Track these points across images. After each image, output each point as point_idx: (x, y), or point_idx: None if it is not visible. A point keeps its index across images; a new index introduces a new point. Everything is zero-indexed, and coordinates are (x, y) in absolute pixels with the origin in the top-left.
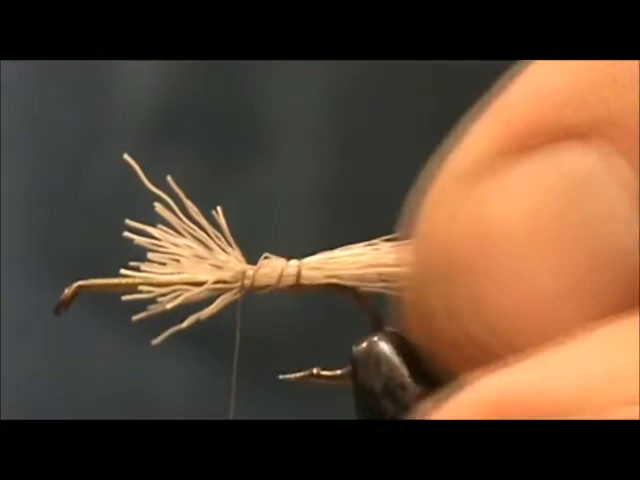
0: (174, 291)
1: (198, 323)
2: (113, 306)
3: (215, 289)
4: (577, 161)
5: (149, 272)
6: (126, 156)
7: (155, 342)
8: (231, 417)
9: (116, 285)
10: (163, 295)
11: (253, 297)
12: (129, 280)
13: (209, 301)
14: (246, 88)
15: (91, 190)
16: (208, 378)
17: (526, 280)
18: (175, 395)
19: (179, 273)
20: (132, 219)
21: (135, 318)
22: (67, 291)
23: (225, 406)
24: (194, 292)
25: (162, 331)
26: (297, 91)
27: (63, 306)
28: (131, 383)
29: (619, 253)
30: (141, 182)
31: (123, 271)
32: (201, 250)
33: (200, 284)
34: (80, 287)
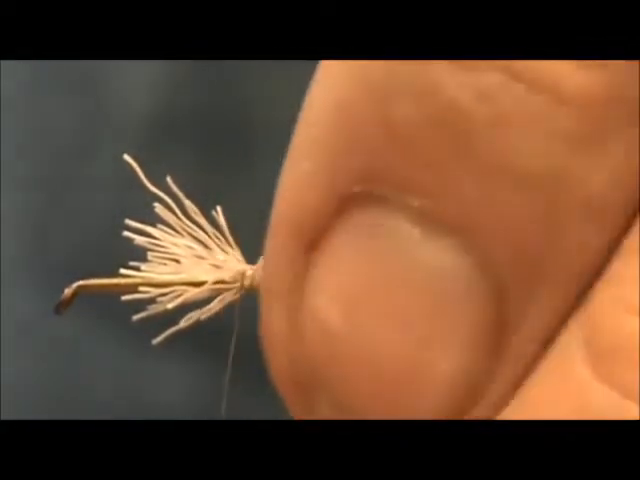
0: (174, 291)
1: (198, 323)
2: (113, 308)
3: (215, 289)
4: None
5: (149, 272)
6: (126, 156)
7: (155, 341)
8: (223, 416)
9: (116, 285)
10: (163, 295)
11: (253, 297)
12: (129, 280)
13: (209, 301)
14: (246, 88)
15: (91, 190)
16: (209, 380)
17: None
18: (175, 397)
19: (179, 273)
20: (132, 219)
21: (135, 318)
22: (67, 291)
23: (226, 408)
24: (194, 292)
25: (162, 333)
26: (297, 91)
27: (63, 306)
28: (131, 384)
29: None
30: (141, 182)
31: (123, 271)
32: (201, 250)
33: (200, 284)
34: (80, 287)
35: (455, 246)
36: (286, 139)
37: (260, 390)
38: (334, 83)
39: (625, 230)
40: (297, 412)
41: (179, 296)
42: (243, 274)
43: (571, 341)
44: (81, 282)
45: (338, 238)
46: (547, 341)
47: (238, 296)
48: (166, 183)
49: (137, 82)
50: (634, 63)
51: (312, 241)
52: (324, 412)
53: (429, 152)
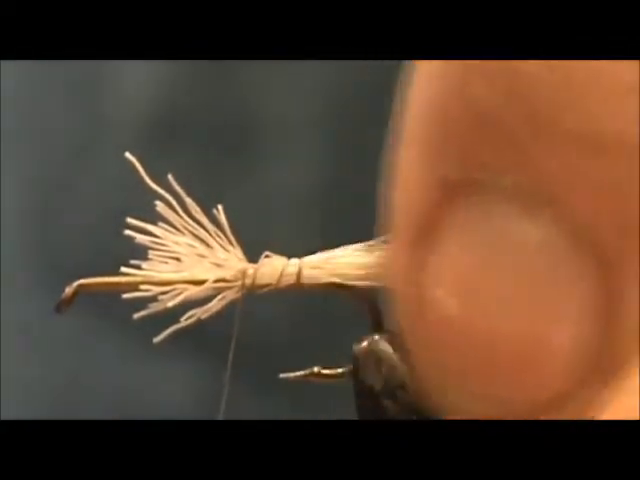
0: (175, 290)
1: (199, 321)
2: (113, 307)
3: (216, 288)
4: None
5: (150, 271)
6: (127, 154)
7: (156, 340)
8: (221, 416)
9: (117, 284)
10: (164, 294)
11: (254, 296)
12: (130, 279)
13: (210, 300)
14: (247, 88)
15: (91, 189)
16: (210, 380)
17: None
18: (176, 396)
19: (180, 272)
20: (133, 218)
21: (136, 316)
22: (68, 289)
23: (226, 408)
24: (195, 290)
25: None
26: (297, 91)
27: (64, 304)
28: (132, 383)
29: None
30: (142, 180)
31: (124, 269)
32: (202, 249)
33: (201, 282)
34: (81, 285)
35: (551, 218)
36: (287, 138)
37: (260, 390)
38: (423, 89)
39: None
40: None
41: (180, 294)
42: (244, 272)
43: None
44: (82, 281)
45: (448, 231)
46: None
47: (239, 294)
48: (167, 181)
49: (138, 82)
50: None
51: (427, 234)
52: (459, 404)
53: (507, 131)
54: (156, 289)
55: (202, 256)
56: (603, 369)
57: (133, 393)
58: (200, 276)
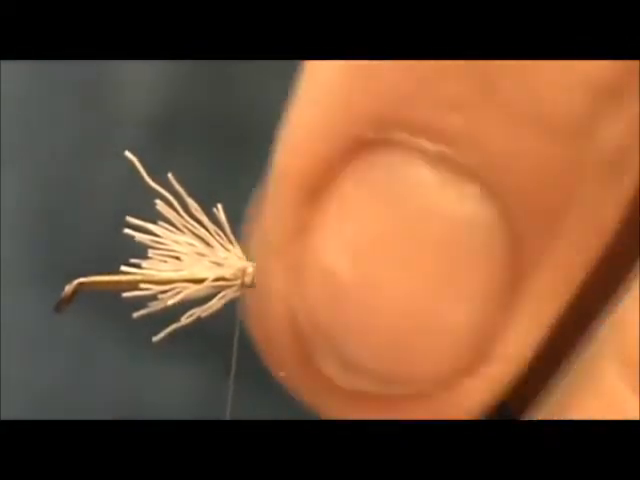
0: (174, 288)
1: (199, 320)
2: (114, 307)
3: (215, 286)
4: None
5: (150, 269)
6: (127, 153)
7: (156, 339)
8: (228, 416)
9: (117, 282)
10: (164, 292)
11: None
12: (130, 277)
13: (210, 299)
14: (247, 88)
15: (92, 188)
16: (210, 381)
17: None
18: (177, 397)
19: (179, 270)
20: (133, 217)
21: (136, 315)
22: (68, 288)
23: (227, 408)
24: (194, 289)
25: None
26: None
27: (64, 303)
28: (132, 384)
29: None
30: (142, 179)
31: (124, 268)
32: (202, 247)
33: (200, 281)
34: (81, 284)
35: (476, 194)
36: None
37: (260, 390)
38: None
39: None
40: (294, 372)
41: (179, 293)
42: (244, 271)
43: (604, 352)
44: (82, 279)
45: (349, 185)
46: (566, 299)
47: (239, 293)
48: (167, 180)
49: (138, 82)
50: None
51: (319, 189)
52: (329, 369)
53: (453, 95)
54: (156, 288)
55: (202, 255)
56: (504, 349)
57: (134, 393)
58: (200, 275)
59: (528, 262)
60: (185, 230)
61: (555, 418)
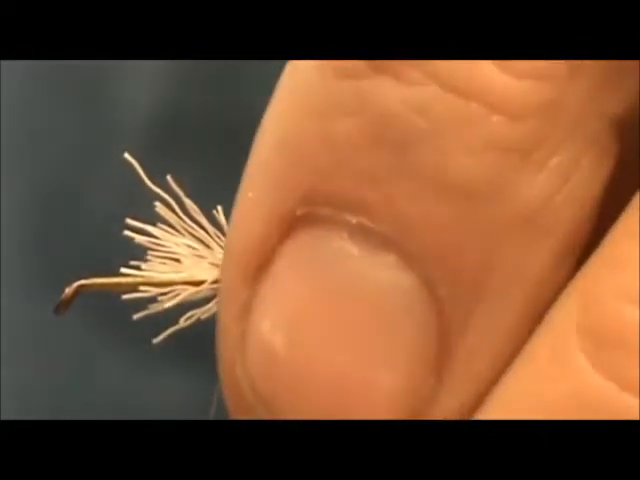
0: (174, 290)
1: (198, 322)
2: (113, 310)
3: (215, 288)
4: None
5: (150, 271)
6: (126, 155)
7: (156, 340)
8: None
9: (117, 284)
10: (163, 294)
11: None
12: (129, 279)
13: (210, 301)
14: (248, 89)
15: (92, 189)
16: (209, 386)
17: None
18: (176, 399)
19: (179, 272)
20: (133, 219)
21: (136, 317)
22: (68, 290)
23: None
24: (193, 291)
25: (163, 340)
26: None
27: (64, 306)
28: (131, 386)
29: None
30: (141, 181)
31: (124, 270)
32: (201, 249)
33: (200, 283)
34: (81, 286)
35: (394, 262)
36: None
37: None
38: (279, 107)
39: (580, 240)
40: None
41: (179, 295)
42: None
43: (563, 326)
44: (82, 281)
45: (281, 262)
46: (500, 355)
47: None
48: (167, 182)
49: (138, 82)
50: (574, 70)
51: (259, 269)
52: None
53: (367, 168)
54: (155, 290)
55: (201, 257)
56: (440, 409)
57: (133, 394)
58: (199, 277)
59: (454, 324)
60: (184, 232)
61: (507, 390)
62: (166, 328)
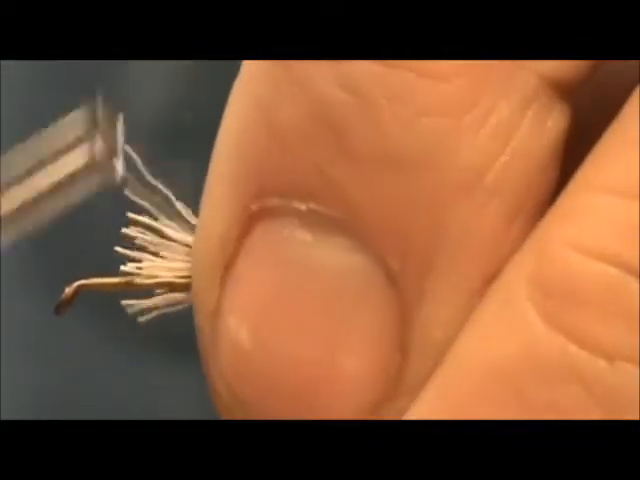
0: (174, 290)
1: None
2: (113, 310)
3: None
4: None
5: (150, 271)
6: (127, 147)
7: (141, 320)
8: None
9: (117, 284)
10: (163, 294)
11: None
12: (130, 279)
13: None
14: None
15: (92, 189)
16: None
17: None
18: (176, 398)
19: (179, 272)
20: (134, 218)
21: (131, 311)
22: (68, 290)
23: None
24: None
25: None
26: None
27: (64, 305)
28: (131, 387)
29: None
30: (142, 180)
31: (124, 269)
32: None
33: None
34: (81, 286)
35: (348, 245)
36: None
37: None
38: (233, 106)
39: (533, 200)
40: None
41: (179, 294)
42: None
43: (513, 279)
44: (82, 281)
45: (242, 259)
46: (459, 321)
47: None
48: (167, 182)
49: (139, 84)
50: None
51: (226, 267)
52: None
53: (310, 153)
54: (156, 290)
55: None
56: (408, 383)
57: (133, 393)
58: None
59: (410, 296)
60: (185, 232)
61: (455, 354)
62: (166, 327)
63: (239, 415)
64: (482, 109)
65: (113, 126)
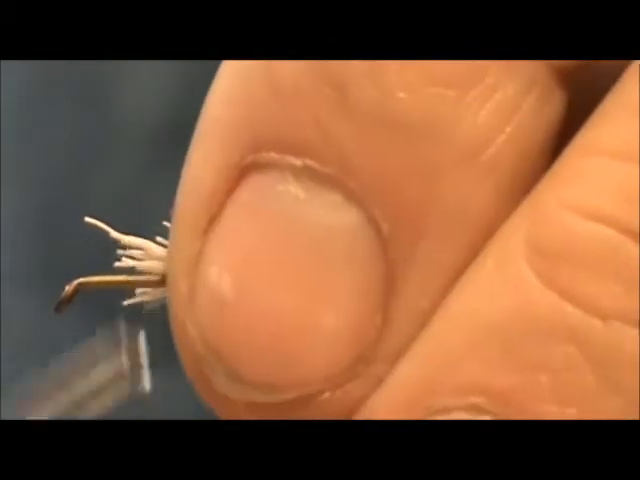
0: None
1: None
2: (113, 308)
3: None
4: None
5: (150, 270)
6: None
7: (126, 303)
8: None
9: (117, 282)
10: (163, 293)
11: None
12: (129, 277)
13: None
14: None
15: (91, 189)
16: None
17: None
18: (175, 398)
19: None
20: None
21: (128, 306)
22: (68, 288)
23: None
24: None
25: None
26: None
27: (64, 304)
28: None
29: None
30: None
31: (124, 268)
32: None
33: None
34: (81, 284)
35: (340, 202)
36: None
37: None
38: (228, 63)
39: (528, 181)
40: (197, 387)
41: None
42: None
43: (510, 239)
44: (82, 279)
45: (229, 210)
46: (445, 292)
47: None
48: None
49: (139, 84)
50: None
51: (210, 220)
52: (220, 382)
53: (309, 108)
54: (155, 288)
55: None
56: (385, 350)
57: (133, 403)
58: None
59: (398, 261)
60: None
61: (447, 311)
62: (166, 326)
63: (207, 367)
64: (487, 86)
65: (135, 341)
